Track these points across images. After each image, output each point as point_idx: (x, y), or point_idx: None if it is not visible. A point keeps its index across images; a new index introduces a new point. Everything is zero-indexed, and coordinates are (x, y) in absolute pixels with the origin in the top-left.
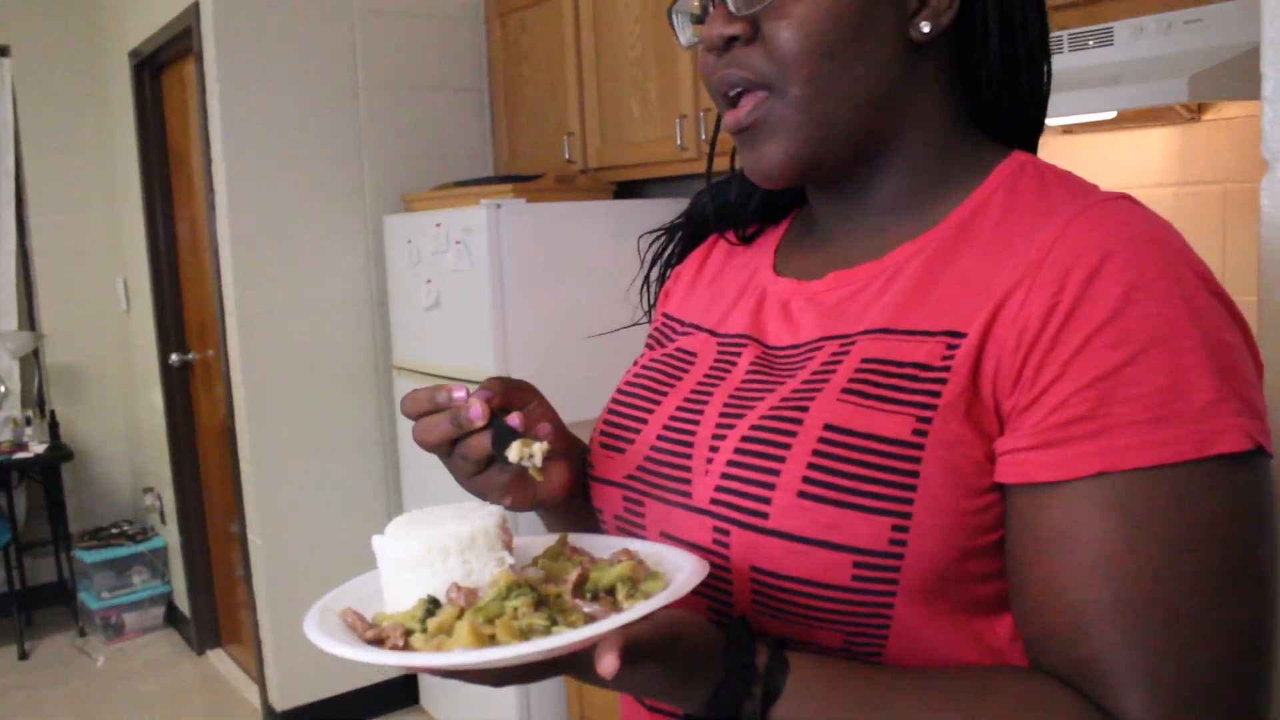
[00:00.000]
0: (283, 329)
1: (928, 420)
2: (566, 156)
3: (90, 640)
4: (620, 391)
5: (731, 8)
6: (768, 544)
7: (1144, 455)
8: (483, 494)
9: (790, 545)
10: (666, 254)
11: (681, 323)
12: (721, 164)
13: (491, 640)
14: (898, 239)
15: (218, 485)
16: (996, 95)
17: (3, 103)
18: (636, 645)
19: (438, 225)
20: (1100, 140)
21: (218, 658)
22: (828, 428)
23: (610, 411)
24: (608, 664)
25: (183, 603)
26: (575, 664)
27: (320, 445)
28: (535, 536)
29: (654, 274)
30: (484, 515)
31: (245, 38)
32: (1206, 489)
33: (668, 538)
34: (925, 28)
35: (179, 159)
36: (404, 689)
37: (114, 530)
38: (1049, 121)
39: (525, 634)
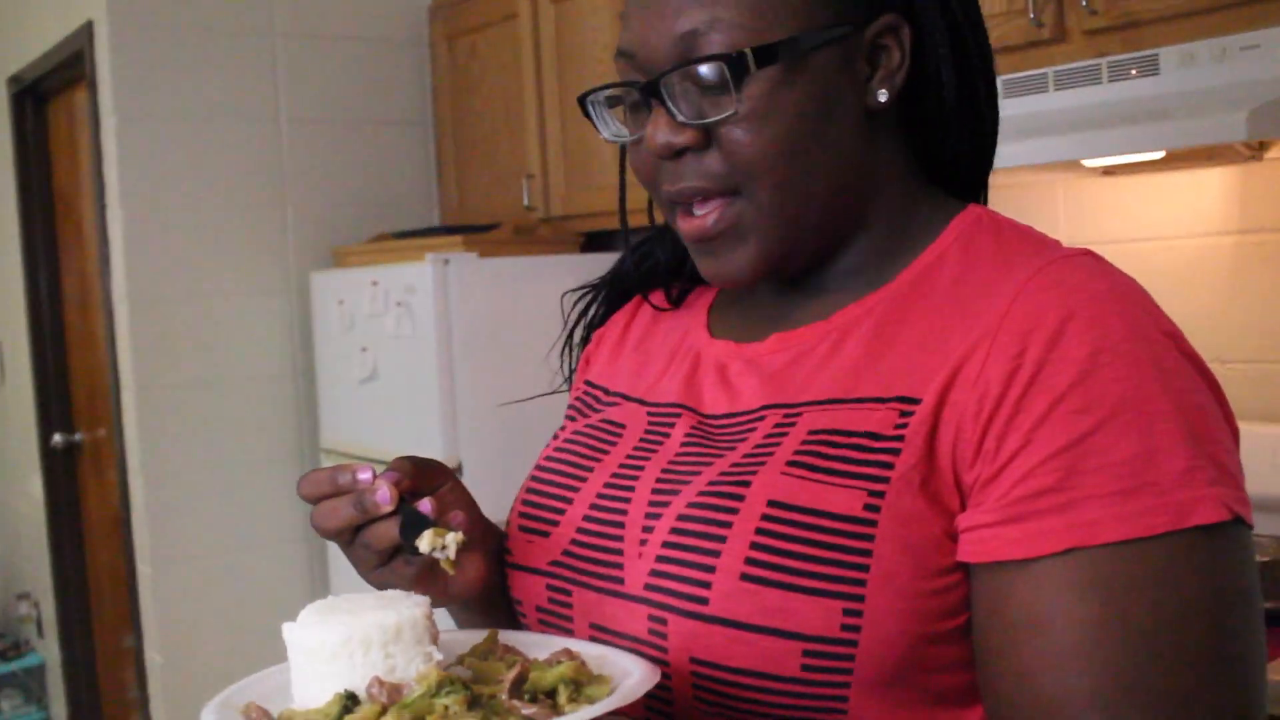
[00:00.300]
0: (189, 404)
1: (880, 494)
2: (526, 203)
3: None
4: (539, 468)
5: (679, 117)
6: (709, 632)
7: (1116, 529)
8: (386, 588)
9: (733, 633)
10: (590, 315)
11: (607, 391)
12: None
13: None
14: (845, 299)
15: (108, 591)
16: (953, 148)
17: None
18: None
19: (374, 284)
20: (1146, 182)
21: None
22: (771, 504)
23: (529, 490)
24: None
25: None
26: None
27: (234, 542)
28: (460, 632)
29: (576, 336)
30: (410, 605)
31: (147, 62)
32: (1185, 564)
33: (597, 628)
34: (882, 96)
35: (66, 203)
36: None
37: None
38: (1087, 163)
39: None
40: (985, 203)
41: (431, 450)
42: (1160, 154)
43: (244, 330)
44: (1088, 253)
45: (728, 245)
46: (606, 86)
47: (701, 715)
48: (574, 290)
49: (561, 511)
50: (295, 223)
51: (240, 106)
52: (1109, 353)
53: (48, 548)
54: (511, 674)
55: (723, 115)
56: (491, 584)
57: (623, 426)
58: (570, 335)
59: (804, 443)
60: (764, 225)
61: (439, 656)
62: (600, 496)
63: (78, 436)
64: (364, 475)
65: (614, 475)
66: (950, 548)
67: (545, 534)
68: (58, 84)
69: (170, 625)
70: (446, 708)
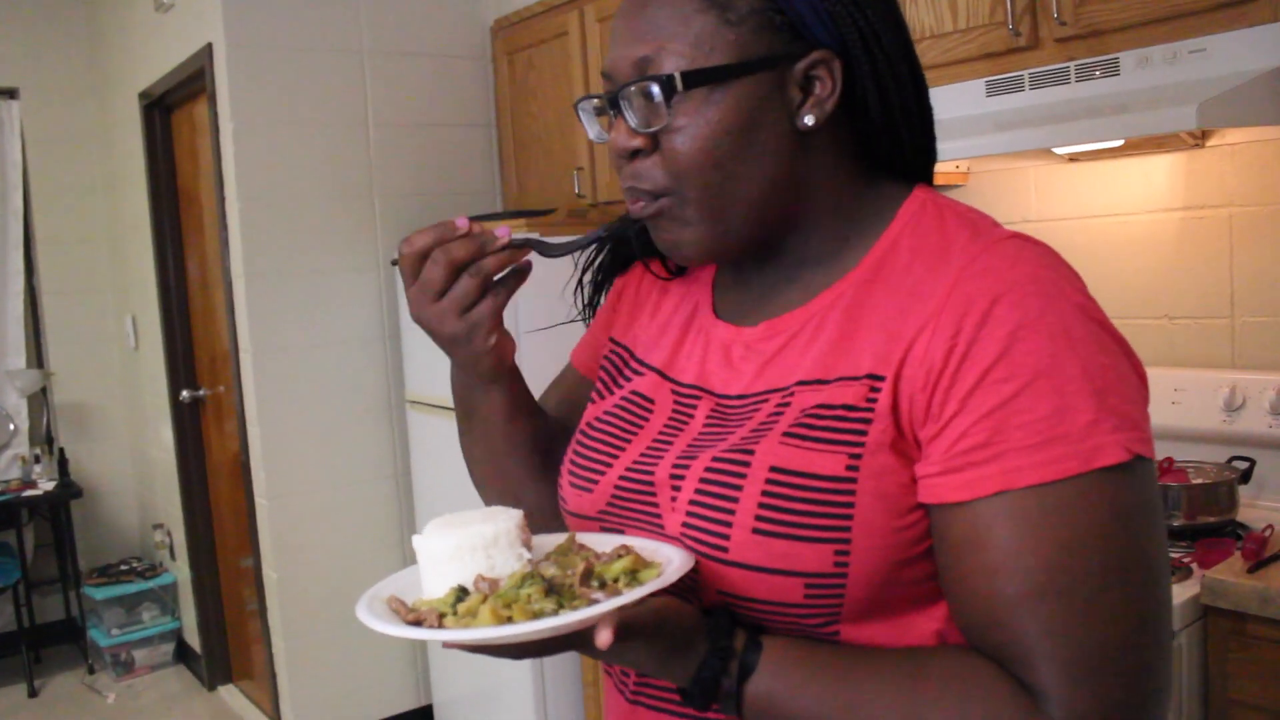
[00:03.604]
0: (296, 364)
1: (858, 456)
2: (576, 191)
3: (100, 678)
4: (583, 433)
5: (632, 124)
6: (729, 573)
7: (1035, 474)
8: (473, 333)
9: (749, 574)
10: (597, 261)
11: (633, 355)
12: None
13: (509, 620)
14: (819, 286)
15: (229, 520)
16: (888, 149)
17: (11, 144)
18: (628, 624)
19: None
20: (1104, 168)
21: (229, 693)
22: (773, 469)
23: (575, 453)
24: (603, 638)
25: (192, 639)
26: (579, 641)
27: (334, 479)
28: (547, 536)
29: (586, 278)
30: (506, 518)
31: (257, 78)
32: (1092, 497)
33: None
34: (809, 120)
35: (188, 197)
36: (421, 718)
37: (123, 567)
38: (1057, 150)
39: (537, 615)
40: (931, 179)
41: None
42: (1119, 142)
43: (341, 301)
44: (1016, 237)
45: (671, 228)
46: (589, 97)
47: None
48: (577, 239)
49: (602, 473)
50: (381, 210)
51: (335, 113)
52: (1028, 329)
53: (178, 485)
54: (580, 568)
55: (660, 126)
56: (511, 375)
57: (652, 402)
58: (581, 278)
59: (800, 417)
60: (693, 219)
61: (529, 555)
62: (635, 463)
63: (201, 392)
64: (460, 222)
65: (649, 448)
66: (915, 491)
67: (589, 490)
68: (181, 97)
69: (283, 548)
70: (529, 595)
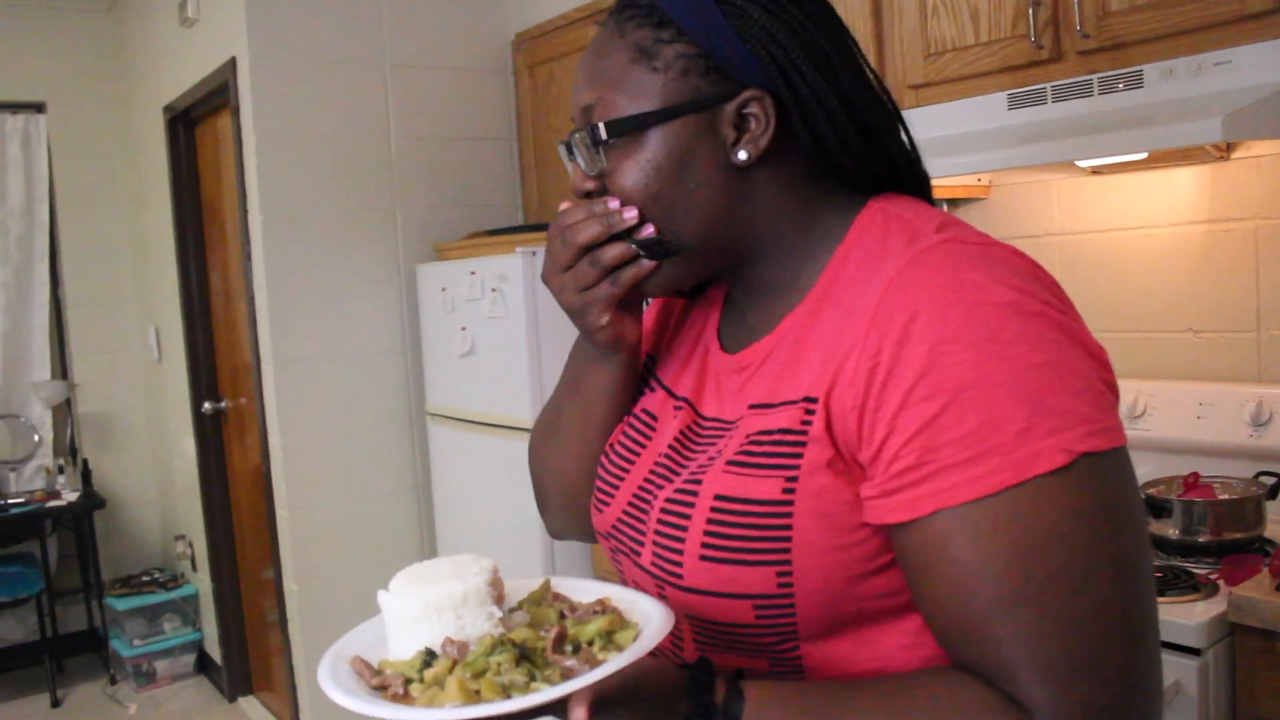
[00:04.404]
0: (318, 376)
1: (794, 479)
2: None
3: (122, 688)
4: (609, 448)
5: (582, 168)
6: (687, 599)
7: (969, 490)
8: (586, 310)
9: (703, 599)
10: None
11: (650, 371)
12: None
13: (477, 695)
14: (784, 309)
15: (250, 531)
16: (843, 169)
17: (38, 157)
18: (604, 695)
19: (472, 273)
20: (1128, 180)
21: (249, 705)
22: (717, 498)
23: (601, 467)
24: (578, 715)
25: (214, 650)
26: (550, 713)
27: (354, 491)
28: (524, 580)
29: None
30: (477, 572)
31: (280, 92)
32: (1039, 503)
33: (638, 586)
34: (743, 156)
35: (211, 210)
36: None
37: (145, 578)
38: (1080, 163)
39: (506, 689)
40: (929, 197)
41: (521, 413)
42: (1143, 155)
43: (362, 314)
44: (947, 240)
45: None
46: (562, 143)
47: (700, 650)
48: None
49: (613, 495)
50: (403, 223)
51: (357, 126)
52: (948, 342)
53: (200, 496)
54: (553, 634)
55: (599, 170)
56: (638, 352)
57: (656, 419)
58: None
59: (741, 444)
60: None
61: (499, 614)
62: (640, 487)
63: (223, 404)
64: (613, 203)
65: (651, 471)
66: (861, 507)
67: (600, 511)
68: (205, 111)
69: (304, 559)
70: (499, 664)
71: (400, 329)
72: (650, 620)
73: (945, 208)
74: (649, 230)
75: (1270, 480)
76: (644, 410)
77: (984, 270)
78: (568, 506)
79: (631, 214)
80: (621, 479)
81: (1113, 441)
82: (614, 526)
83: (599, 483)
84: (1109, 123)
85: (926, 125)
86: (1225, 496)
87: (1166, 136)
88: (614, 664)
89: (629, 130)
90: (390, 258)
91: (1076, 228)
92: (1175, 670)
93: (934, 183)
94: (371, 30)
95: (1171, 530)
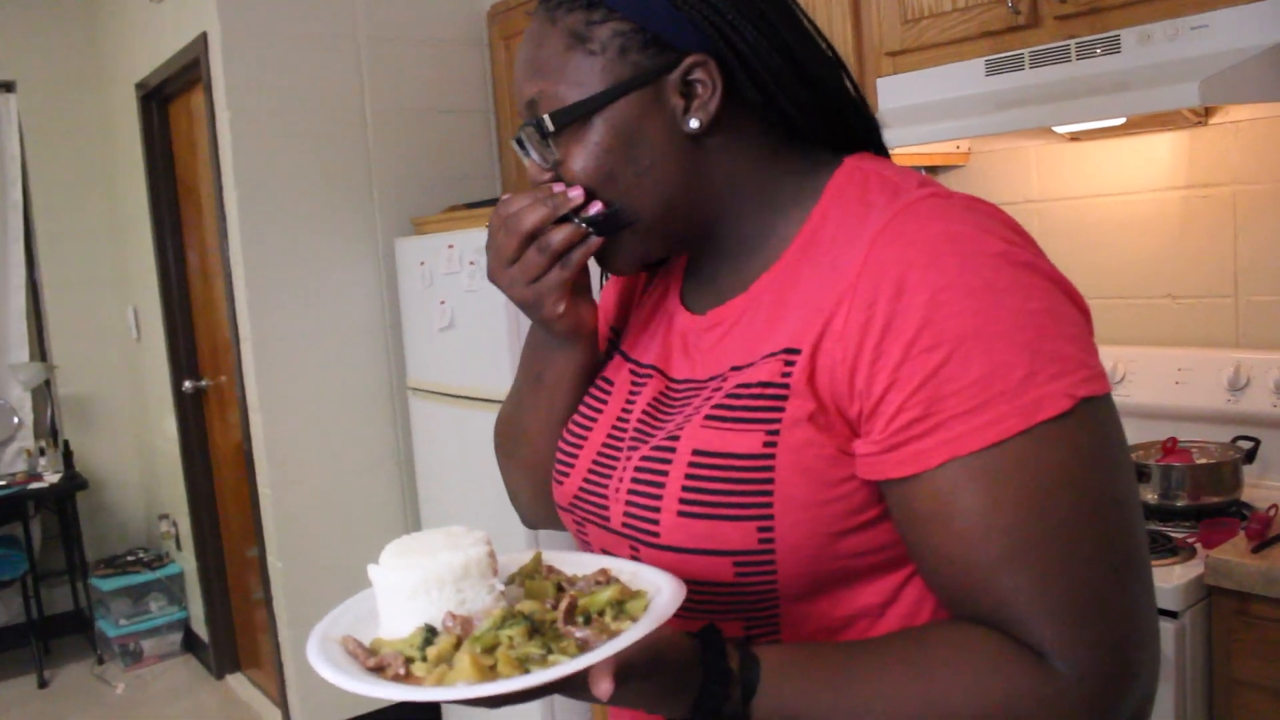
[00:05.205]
0: (297, 353)
1: (775, 432)
2: None
3: (109, 668)
4: (569, 423)
5: (536, 161)
6: (663, 557)
7: (979, 438)
8: (540, 300)
9: (680, 556)
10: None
11: (613, 343)
12: None
13: (492, 671)
14: (758, 270)
15: (234, 510)
16: (803, 128)
17: (9, 136)
18: (625, 667)
19: (450, 247)
20: (1107, 147)
21: (237, 682)
22: (695, 452)
23: (562, 440)
24: (604, 688)
25: (200, 628)
26: (570, 686)
27: (337, 466)
28: (511, 554)
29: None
30: (474, 543)
31: (253, 67)
32: (1046, 448)
33: (606, 552)
34: (694, 124)
35: (187, 188)
36: (429, 708)
37: (129, 558)
38: (1059, 129)
39: (523, 663)
40: (882, 146)
41: (501, 386)
42: (1121, 120)
43: (341, 289)
44: (931, 195)
45: (605, 244)
46: (514, 137)
47: (681, 614)
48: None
49: (572, 465)
50: (380, 197)
51: (331, 100)
52: (946, 291)
53: (182, 475)
54: (564, 604)
55: (553, 160)
56: (594, 338)
57: (611, 384)
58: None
59: (720, 399)
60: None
61: (501, 588)
62: (599, 453)
63: (204, 383)
64: (557, 186)
65: (609, 436)
66: (845, 462)
67: (561, 483)
68: (178, 87)
69: (287, 536)
70: (511, 638)
71: (379, 303)
72: (660, 589)
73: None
74: (596, 207)
75: (1247, 444)
76: (602, 377)
77: (971, 222)
78: (542, 498)
79: (576, 192)
80: (580, 446)
81: (1105, 386)
82: (576, 496)
83: (559, 455)
84: (1086, 88)
85: (904, 92)
86: (1203, 461)
87: (1143, 101)
88: (635, 632)
89: (575, 118)
90: (368, 232)
91: (1055, 194)
92: None
93: (912, 150)
94: (344, 3)
95: (1150, 495)
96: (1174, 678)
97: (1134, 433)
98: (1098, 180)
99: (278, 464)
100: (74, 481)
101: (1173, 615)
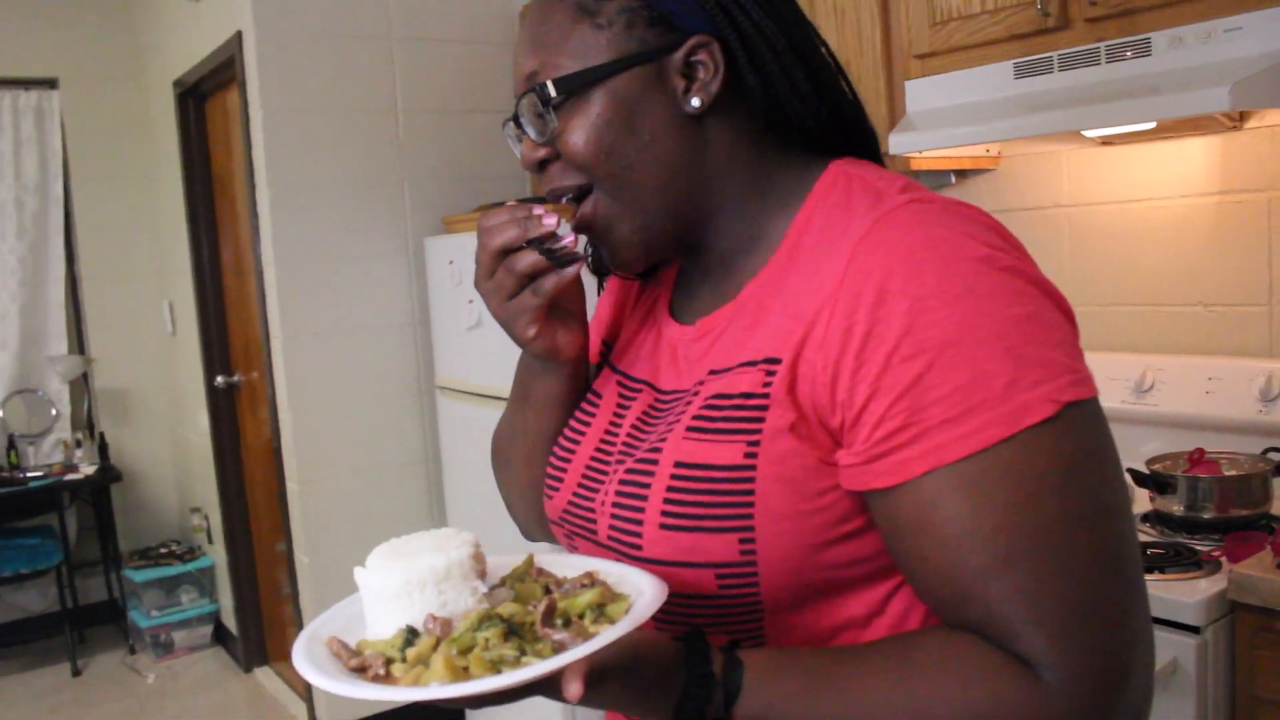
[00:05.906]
0: (327, 350)
1: (756, 443)
2: None
3: (140, 658)
4: (561, 436)
5: (532, 137)
6: (648, 570)
7: (962, 446)
8: (512, 321)
9: (663, 569)
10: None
11: (604, 355)
12: None
13: (465, 672)
14: (745, 276)
15: (264, 505)
16: (795, 125)
17: (51, 133)
18: (600, 667)
19: None
20: (1138, 151)
21: (265, 675)
22: (677, 464)
23: (553, 454)
24: (573, 690)
25: (230, 621)
26: (546, 688)
27: (365, 464)
28: (505, 556)
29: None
30: (458, 546)
31: (287, 66)
32: (1031, 455)
33: None
34: (695, 103)
35: (222, 185)
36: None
37: (162, 550)
38: (1089, 133)
39: (495, 665)
40: (877, 153)
41: None
42: (1152, 125)
43: (371, 287)
44: (913, 200)
45: (605, 235)
46: (507, 122)
47: (664, 626)
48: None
49: (561, 479)
50: (411, 196)
51: (364, 100)
52: (927, 299)
53: (214, 470)
54: (542, 606)
55: (551, 133)
56: (582, 360)
57: (600, 397)
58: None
59: (700, 409)
60: (615, 209)
61: (483, 589)
62: (587, 466)
63: (236, 378)
64: (537, 209)
65: (597, 449)
66: (827, 472)
67: (550, 497)
68: (214, 85)
69: (315, 532)
70: (487, 640)
71: (409, 302)
72: (643, 592)
73: (954, 179)
74: (569, 239)
75: (1278, 457)
76: (591, 390)
77: (952, 227)
78: (535, 513)
79: (550, 220)
80: (569, 461)
81: (1091, 390)
82: (565, 510)
83: (549, 469)
84: (1116, 92)
85: (932, 95)
86: (1232, 473)
87: (1174, 105)
88: (608, 635)
89: (578, 87)
90: (398, 231)
91: (1086, 199)
92: (1173, 648)
93: (942, 153)
94: (377, 3)
95: (1176, 506)
96: (1195, 695)
97: (1163, 443)
98: (1129, 185)
99: (306, 460)
100: (109, 474)
101: (1194, 631)
